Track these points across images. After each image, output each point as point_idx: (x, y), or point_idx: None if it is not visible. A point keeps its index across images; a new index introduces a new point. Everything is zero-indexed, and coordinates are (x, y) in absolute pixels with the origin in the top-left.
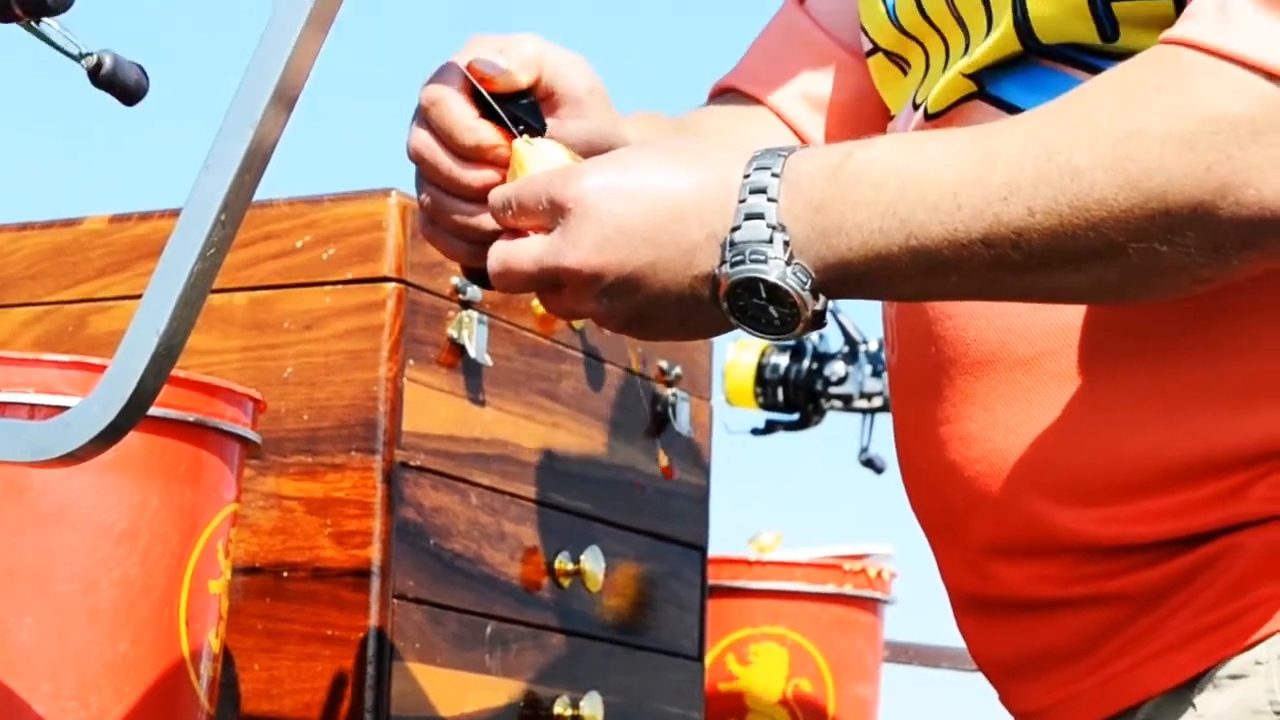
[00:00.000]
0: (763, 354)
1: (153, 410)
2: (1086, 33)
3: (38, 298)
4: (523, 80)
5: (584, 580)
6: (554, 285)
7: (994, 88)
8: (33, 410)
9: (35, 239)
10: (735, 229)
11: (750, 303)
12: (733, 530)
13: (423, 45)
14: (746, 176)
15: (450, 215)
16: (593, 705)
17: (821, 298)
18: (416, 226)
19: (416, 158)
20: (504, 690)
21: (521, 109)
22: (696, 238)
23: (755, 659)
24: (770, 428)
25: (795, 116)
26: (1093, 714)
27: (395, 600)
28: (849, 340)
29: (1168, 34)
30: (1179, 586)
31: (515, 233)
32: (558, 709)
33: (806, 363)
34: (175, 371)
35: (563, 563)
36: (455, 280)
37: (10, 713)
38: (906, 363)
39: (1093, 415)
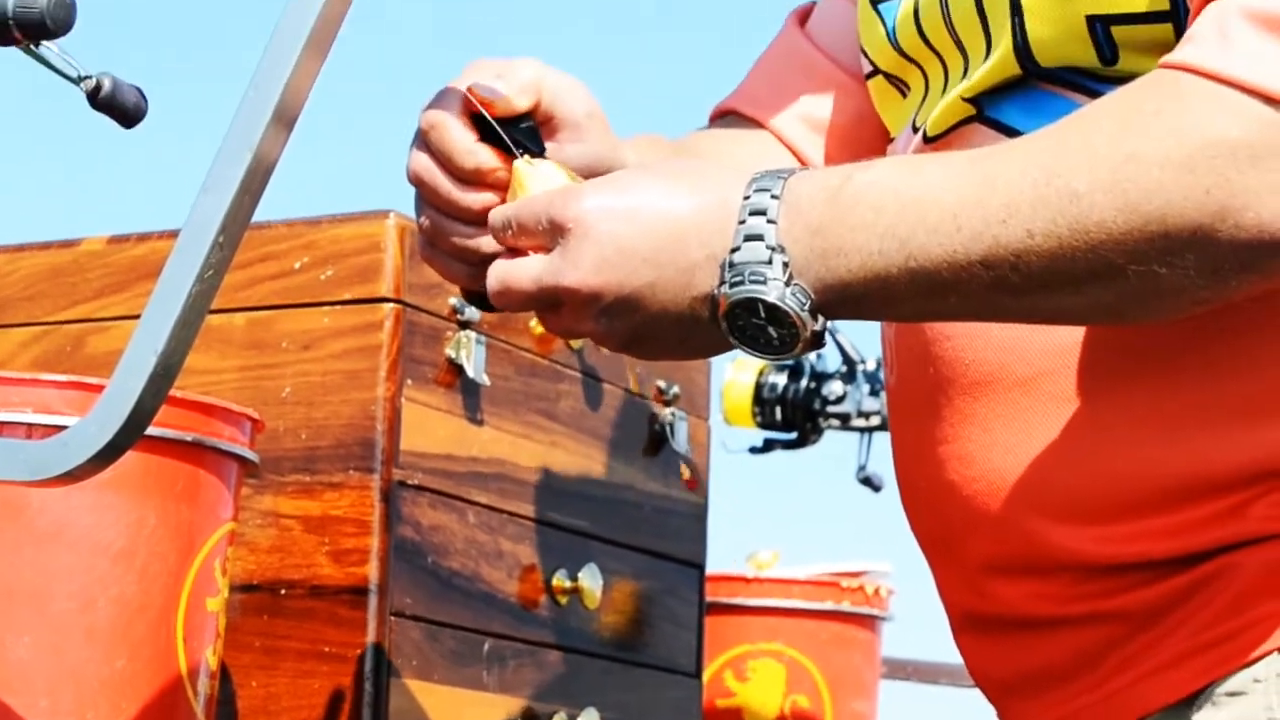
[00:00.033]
0: (761, 373)
1: (150, 430)
2: (1085, 56)
3: (36, 318)
4: (522, 104)
5: (581, 598)
6: (553, 304)
7: (993, 111)
8: (30, 430)
9: (33, 259)
10: (735, 250)
11: (749, 323)
12: (731, 548)
13: (421, 67)
14: (746, 198)
15: (450, 238)
16: None
17: (820, 318)
18: (415, 247)
19: (416, 181)
20: (501, 707)
21: (520, 133)
22: (696, 258)
23: (753, 675)
24: (768, 446)
25: (795, 139)
26: None
27: (393, 618)
28: (847, 360)
29: (1167, 58)
30: (1177, 604)
31: (515, 252)
32: None
33: (804, 382)
34: (173, 391)
35: (560, 580)
36: (453, 301)
37: None
38: (905, 383)
39: (1091, 435)
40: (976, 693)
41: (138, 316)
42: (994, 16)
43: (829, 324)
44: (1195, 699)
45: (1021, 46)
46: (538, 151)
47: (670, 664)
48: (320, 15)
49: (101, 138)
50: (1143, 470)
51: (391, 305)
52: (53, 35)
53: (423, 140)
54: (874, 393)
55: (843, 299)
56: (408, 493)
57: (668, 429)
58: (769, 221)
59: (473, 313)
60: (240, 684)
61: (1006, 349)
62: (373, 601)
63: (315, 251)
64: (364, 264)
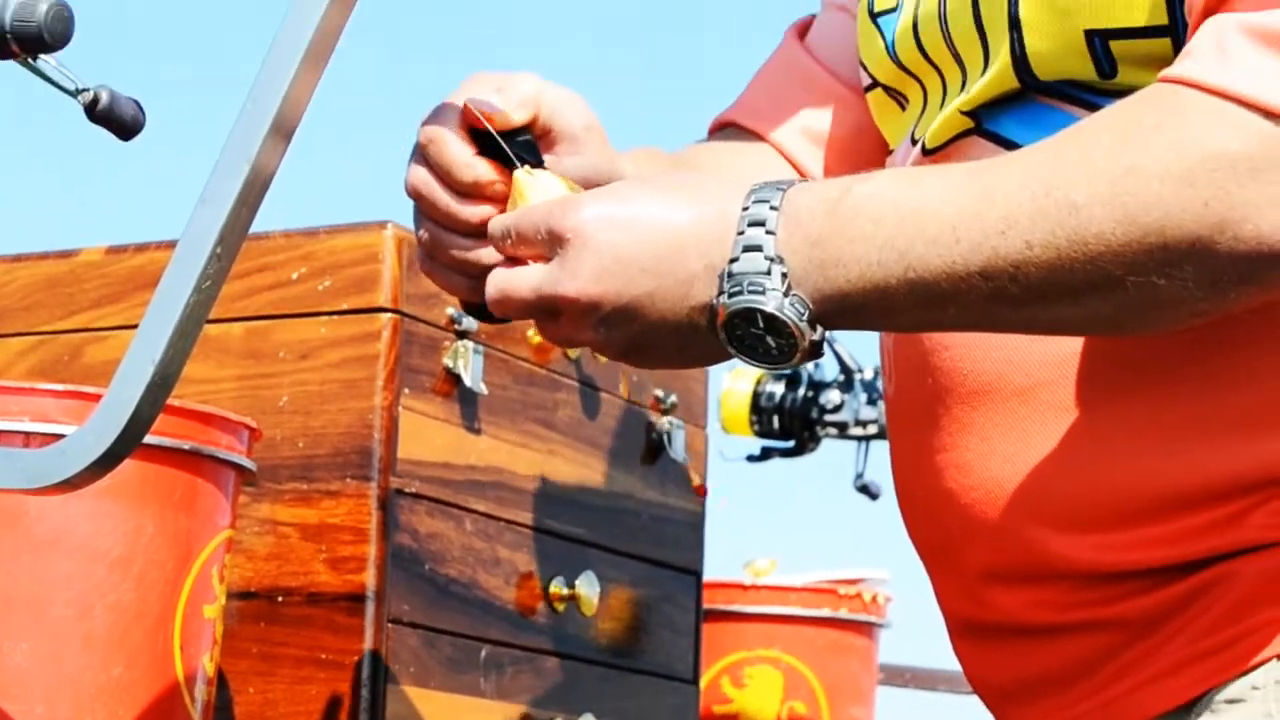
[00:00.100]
0: (758, 382)
1: (148, 438)
2: (1084, 70)
3: (33, 327)
4: (520, 118)
5: (579, 604)
6: (551, 313)
7: (991, 124)
8: (28, 438)
9: (31, 269)
10: (733, 260)
11: (748, 332)
12: (729, 556)
13: (419, 79)
14: (745, 209)
15: (449, 250)
16: None
17: (819, 328)
18: (412, 258)
19: (415, 194)
20: (499, 713)
21: (519, 146)
22: (694, 268)
23: (750, 682)
24: (766, 455)
25: (795, 151)
26: None
27: (390, 625)
28: (844, 368)
29: (1166, 72)
30: (1176, 612)
31: (514, 260)
32: None
33: (802, 391)
34: (171, 400)
35: (557, 587)
36: (451, 311)
37: None
38: (904, 392)
39: (1089, 445)
40: (974, 699)
41: (135, 326)
42: (992, 31)
43: (827, 333)
44: (1194, 706)
45: (1020, 59)
46: (536, 164)
47: (668, 670)
48: (318, 28)
49: (99, 149)
50: (1141, 480)
51: (389, 315)
52: (50, 49)
53: (421, 154)
54: (871, 401)
55: (841, 309)
56: (405, 501)
57: (665, 437)
58: (768, 232)
59: (470, 322)
60: (237, 691)
61: (1005, 359)
62: (370, 608)
63: (313, 262)
64: (361, 274)
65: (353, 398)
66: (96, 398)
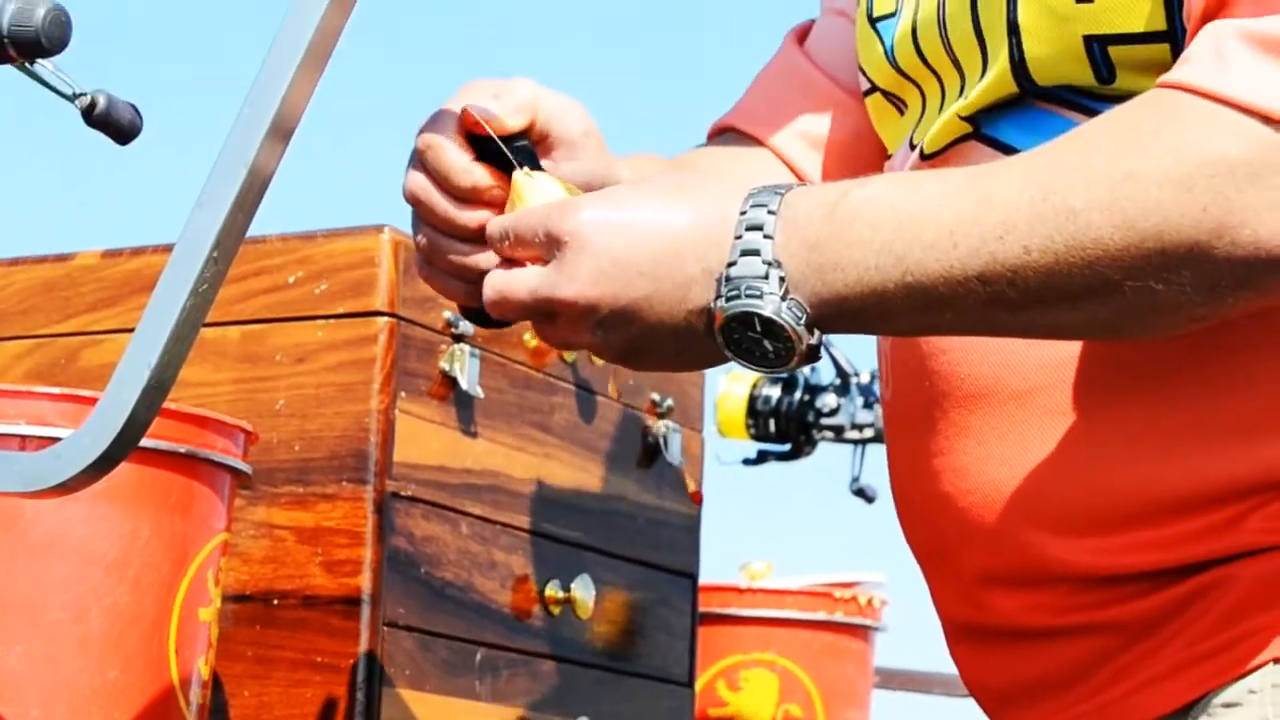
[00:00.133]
0: (754, 386)
1: (144, 441)
2: (1082, 75)
3: (30, 331)
4: (517, 123)
5: (574, 608)
6: (549, 316)
7: (990, 129)
8: (24, 441)
9: (28, 273)
10: (731, 264)
11: (745, 336)
12: (724, 559)
13: (417, 83)
14: (743, 213)
15: (447, 255)
16: None
17: (816, 332)
18: (409, 262)
19: (413, 200)
20: (494, 717)
21: (516, 151)
22: (692, 272)
23: (746, 685)
24: (762, 458)
25: (794, 156)
26: None
27: (385, 628)
28: (841, 372)
29: (1165, 78)
30: (1172, 616)
31: (512, 262)
32: None
33: (798, 394)
34: (167, 403)
35: (553, 590)
36: (447, 314)
37: None
38: (901, 397)
39: (1087, 449)
40: (969, 703)
41: (132, 330)
42: (991, 36)
43: (824, 337)
44: (1191, 709)
45: (1019, 63)
46: (534, 169)
47: (663, 674)
48: (316, 30)
49: (97, 153)
50: (1138, 484)
51: (385, 319)
52: (48, 53)
53: (419, 160)
54: (867, 405)
55: (839, 313)
56: (401, 504)
57: (661, 441)
58: (765, 236)
59: (466, 326)
60: (233, 694)
61: (1002, 363)
62: (365, 612)
63: (310, 266)
64: (358, 278)
65: (349, 401)
66: (92, 401)
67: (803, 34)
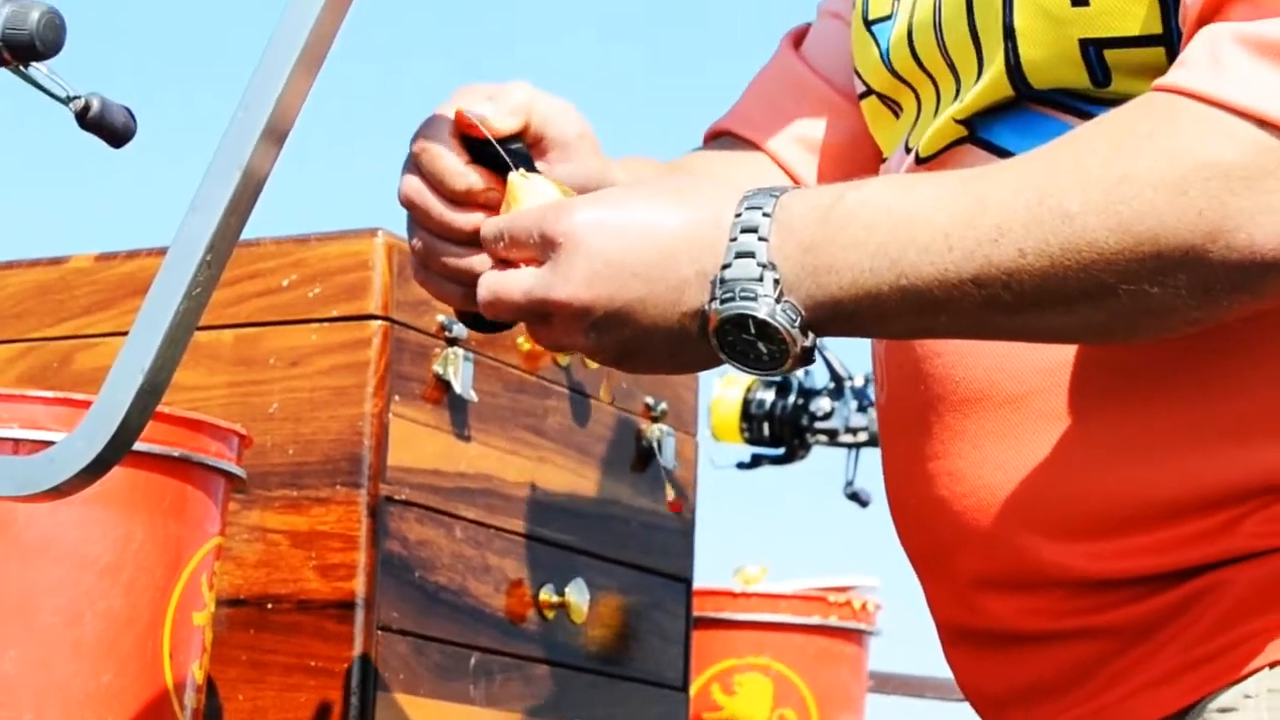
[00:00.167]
0: (748, 389)
1: (138, 445)
2: (1078, 78)
3: (23, 334)
4: (512, 126)
5: (568, 612)
6: (543, 317)
7: (985, 132)
8: (17, 445)
9: (21, 276)
10: (726, 266)
11: (739, 338)
12: (719, 563)
13: (411, 87)
14: (738, 215)
15: (442, 259)
16: None
17: (810, 335)
18: (403, 265)
19: (408, 203)
20: None
21: (512, 154)
22: (686, 274)
23: (740, 689)
24: (756, 462)
25: (790, 160)
26: None
27: (379, 632)
28: (835, 376)
29: (1160, 81)
30: (1168, 620)
31: (506, 263)
32: None
33: (792, 398)
34: (161, 407)
35: (547, 595)
36: (441, 318)
37: None
38: (896, 400)
39: (1082, 453)
40: (964, 707)
41: (125, 333)
42: (987, 39)
43: (818, 340)
44: (1186, 714)
45: (1014, 66)
46: (530, 170)
47: (657, 678)
48: (311, 33)
49: (91, 156)
50: (1133, 488)
51: (379, 322)
52: (42, 57)
53: (414, 163)
54: (861, 409)
55: (833, 316)
56: (395, 508)
57: (655, 445)
58: (760, 239)
59: (460, 329)
60: (227, 698)
61: (997, 367)
62: (359, 615)
63: (303, 269)
64: (352, 281)
65: (343, 405)
66: (86, 405)
67: (799, 37)
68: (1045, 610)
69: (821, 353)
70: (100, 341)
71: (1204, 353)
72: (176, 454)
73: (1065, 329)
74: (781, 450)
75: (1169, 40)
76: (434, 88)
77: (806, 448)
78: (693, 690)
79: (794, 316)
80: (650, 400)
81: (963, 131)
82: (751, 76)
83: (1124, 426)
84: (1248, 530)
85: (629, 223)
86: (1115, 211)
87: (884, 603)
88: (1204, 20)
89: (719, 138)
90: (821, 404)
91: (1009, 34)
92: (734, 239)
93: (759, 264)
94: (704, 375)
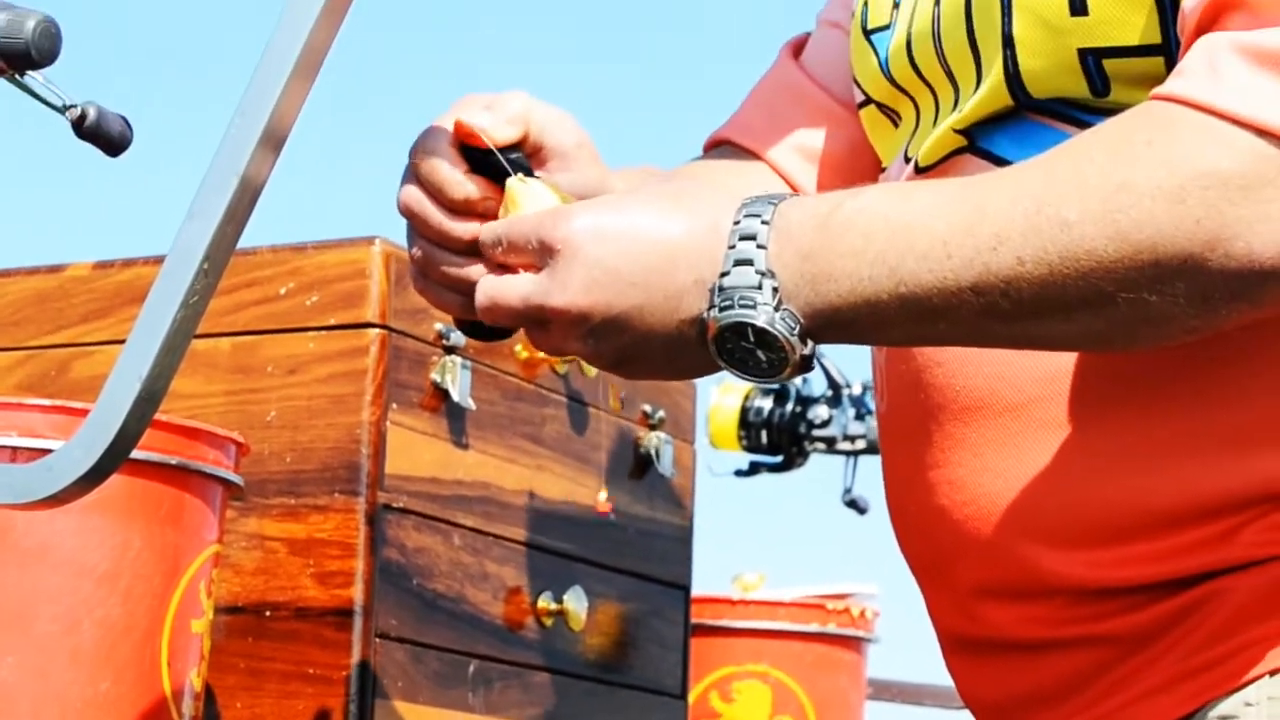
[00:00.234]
0: (746, 397)
1: (135, 453)
2: (1077, 88)
3: (21, 342)
4: (510, 135)
5: (567, 619)
6: (540, 323)
7: (984, 142)
8: (15, 453)
9: (19, 285)
10: (724, 274)
11: (738, 346)
12: (717, 571)
13: (408, 95)
14: (736, 223)
15: (441, 268)
16: None
17: (809, 342)
18: (400, 273)
19: (407, 212)
20: None
21: (510, 164)
22: (684, 282)
23: (739, 697)
24: (754, 469)
25: (790, 169)
26: None
27: (378, 639)
28: (832, 384)
29: (1158, 90)
30: (1168, 629)
31: (504, 268)
32: None
33: (790, 406)
34: (158, 415)
35: (546, 602)
36: (439, 326)
37: None
38: (896, 409)
39: (1081, 461)
40: (962, 714)
41: (123, 341)
42: (986, 48)
43: (817, 348)
44: None
45: (1013, 75)
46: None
47: (656, 685)
48: (308, 41)
49: (87, 165)
50: (1133, 496)
51: (377, 330)
52: (38, 66)
53: (413, 173)
54: (859, 416)
55: (832, 324)
56: (393, 516)
57: (653, 453)
58: (759, 246)
59: (458, 338)
60: (225, 705)
61: (997, 375)
62: (358, 623)
63: (301, 277)
64: (349, 290)
65: (340, 413)
66: (84, 413)
67: (798, 47)
68: (1045, 619)
69: (819, 360)
70: (98, 349)
71: (1203, 361)
72: (174, 462)
73: (1064, 337)
74: (779, 458)
75: (1168, 50)
76: (431, 96)
77: (804, 455)
78: (691, 698)
79: (793, 324)
80: (648, 408)
81: (962, 141)
82: (749, 82)
83: (1123, 435)
84: (1247, 539)
85: (627, 230)
86: (1113, 220)
87: (882, 610)
88: (1202, 29)
89: (719, 147)
90: (819, 412)
91: (1008, 43)
92: (732, 246)
93: (757, 271)
94: (702, 383)
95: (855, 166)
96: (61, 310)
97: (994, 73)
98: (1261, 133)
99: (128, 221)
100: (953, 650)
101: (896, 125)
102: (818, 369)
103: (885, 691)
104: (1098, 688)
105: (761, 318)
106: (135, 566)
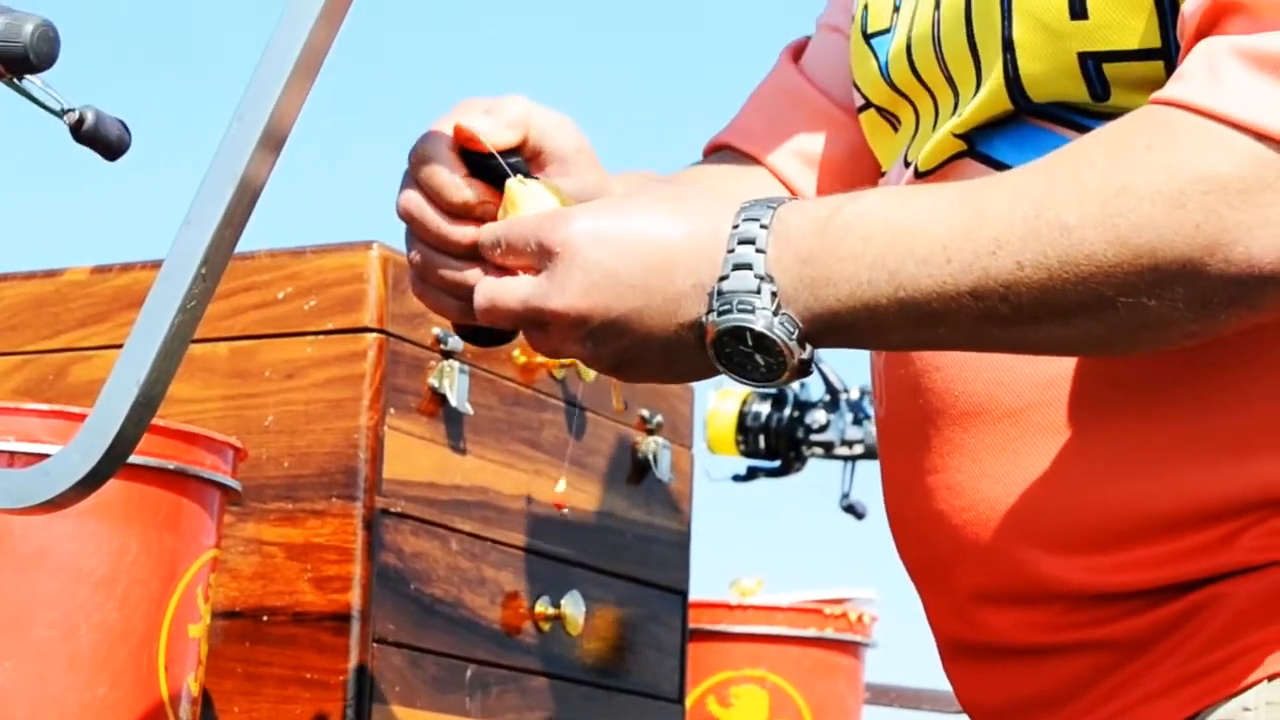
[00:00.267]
0: (744, 402)
1: (133, 458)
2: (1077, 92)
3: (18, 347)
4: (510, 139)
5: (564, 624)
6: (539, 325)
7: (984, 146)
8: (13, 458)
9: (16, 289)
10: (723, 279)
11: (737, 350)
12: (715, 575)
13: (407, 99)
14: (735, 227)
15: (440, 272)
16: None
17: (808, 347)
18: (398, 278)
19: (406, 216)
20: None
21: (510, 168)
22: (683, 286)
23: (736, 701)
24: (752, 474)
25: (790, 174)
26: None
27: (375, 644)
28: (830, 388)
29: (1158, 94)
30: (1167, 634)
31: (503, 269)
32: None
33: (788, 410)
34: (156, 420)
35: (543, 607)
36: (436, 330)
37: None
38: (895, 414)
39: (1080, 466)
40: (960, 719)
41: (120, 346)
42: (986, 52)
43: (815, 352)
44: None
45: (1013, 81)
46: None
47: (654, 690)
48: (306, 43)
49: (85, 169)
50: (1132, 501)
51: (374, 335)
52: (36, 69)
53: (412, 177)
54: (857, 421)
55: (831, 328)
56: (390, 520)
57: (651, 457)
58: (758, 250)
59: (455, 342)
60: (222, 710)
61: (996, 380)
62: (355, 628)
63: (299, 282)
64: (347, 294)
65: (338, 417)
66: (81, 417)
67: (798, 51)
68: (1044, 624)
69: (818, 365)
70: (95, 354)
71: (1202, 366)
72: (172, 467)
73: (1063, 341)
74: (777, 463)
75: (1168, 54)
76: (431, 97)
77: (802, 460)
78: (689, 702)
79: (791, 329)
80: (646, 413)
81: (961, 146)
82: (749, 83)
83: (1122, 440)
84: (1246, 544)
85: (626, 233)
86: (1113, 224)
87: (880, 615)
88: (1202, 33)
89: (718, 151)
90: (817, 416)
91: (1008, 47)
92: (731, 251)
93: (756, 276)
94: (700, 387)
95: (855, 171)
96: (59, 315)
97: (994, 77)
98: (1261, 137)
99: (125, 226)
100: (951, 655)
101: (896, 129)
102: (816, 374)
103: (883, 696)
104: (1097, 693)
105: (760, 322)
106: (133, 571)
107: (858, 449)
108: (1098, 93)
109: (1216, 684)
